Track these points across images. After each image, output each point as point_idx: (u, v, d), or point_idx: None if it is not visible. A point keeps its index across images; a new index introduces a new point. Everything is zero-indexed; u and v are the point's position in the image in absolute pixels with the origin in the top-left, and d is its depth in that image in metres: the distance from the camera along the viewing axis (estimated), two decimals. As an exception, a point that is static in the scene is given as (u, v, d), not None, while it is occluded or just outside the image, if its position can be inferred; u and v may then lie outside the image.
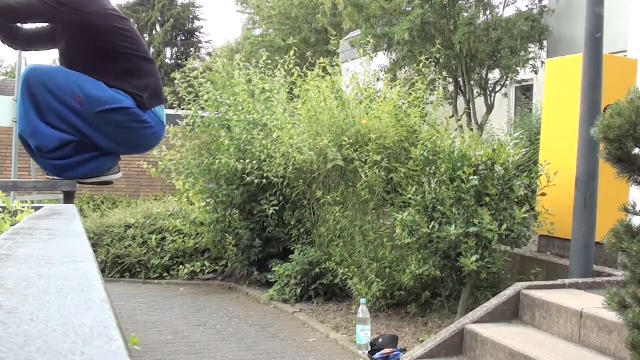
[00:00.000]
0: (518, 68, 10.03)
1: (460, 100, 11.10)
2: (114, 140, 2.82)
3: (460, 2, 10.45)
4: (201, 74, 8.64)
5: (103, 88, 2.67)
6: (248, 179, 7.72)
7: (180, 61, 28.61)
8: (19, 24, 2.89)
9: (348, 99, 7.06)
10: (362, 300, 5.67)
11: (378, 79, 10.20)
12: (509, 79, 10.88)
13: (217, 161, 7.97)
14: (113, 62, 2.73)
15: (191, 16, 32.07)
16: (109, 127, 2.73)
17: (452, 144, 5.61)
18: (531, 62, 10.20)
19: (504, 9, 10.89)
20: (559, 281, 5.31)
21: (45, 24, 2.90)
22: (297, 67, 7.84)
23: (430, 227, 5.36)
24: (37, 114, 2.64)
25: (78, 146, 2.75)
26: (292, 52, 8.05)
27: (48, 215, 2.22)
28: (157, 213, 9.70)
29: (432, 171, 5.68)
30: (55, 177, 2.93)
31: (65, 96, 2.63)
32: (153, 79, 2.83)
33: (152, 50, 30.35)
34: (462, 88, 10.87)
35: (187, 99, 8.64)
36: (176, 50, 31.94)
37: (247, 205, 8.22)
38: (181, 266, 8.91)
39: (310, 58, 7.85)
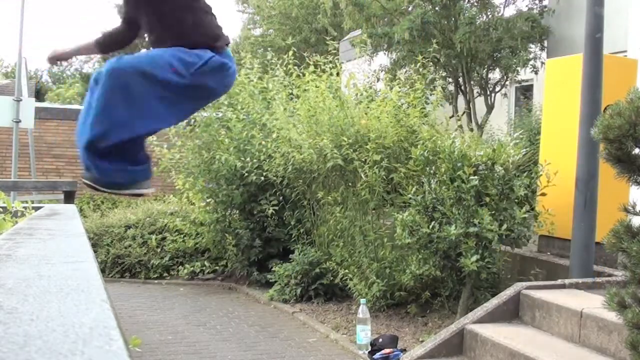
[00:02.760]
0: (518, 68, 10.02)
1: (460, 100, 11.09)
2: (203, 99, 2.96)
3: (461, 2, 10.44)
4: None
5: (185, 51, 2.74)
6: (248, 178, 7.72)
7: (180, 61, 28.55)
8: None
9: (347, 99, 7.05)
10: (362, 300, 5.67)
11: (378, 79, 10.21)
12: (509, 78, 10.88)
13: (217, 160, 7.97)
14: (183, 21, 2.79)
15: (191, 16, 32.02)
16: (201, 87, 2.82)
17: (452, 144, 5.62)
18: (531, 62, 10.19)
19: (504, 8, 10.89)
20: (559, 281, 5.31)
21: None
22: (296, 67, 7.82)
23: (430, 227, 5.36)
24: (126, 106, 2.63)
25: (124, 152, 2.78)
26: (290, 53, 8.02)
27: (48, 215, 2.22)
28: (157, 211, 9.71)
29: (432, 171, 5.68)
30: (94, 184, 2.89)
31: (163, 72, 2.68)
32: (215, 24, 2.90)
33: (152, 50, 30.33)
34: (462, 88, 10.87)
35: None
36: (176, 50, 31.89)
37: (247, 205, 8.22)
38: (181, 266, 8.91)
39: (308, 58, 7.85)
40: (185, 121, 8.60)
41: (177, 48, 2.74)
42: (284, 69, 8.22)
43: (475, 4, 10.54)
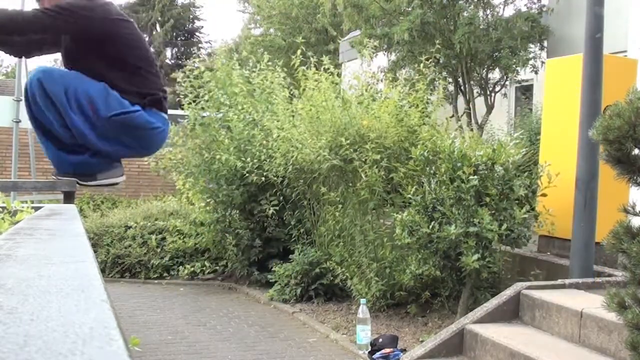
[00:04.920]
0: (518, 68, 10.02)
1: (460, 100, 11.09)
2: (122, 144, 2.86)
3: (460, 2, 10.44)
4: (201, 73, 8.62)
5: (109, 92, 2.70)
6: (248, 178, 7.72)
7: (180, 61, 28.61)
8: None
9: (349, 99, 7.05)
10: (362, 300, 5.67)
11: (379, 80, 10.21)
12: (508, 78, 10.88)
13: (217, 160, 7.96)
14: (116, 68, 2.75)
15: (191, 16, 32.07)
16: (118, 132, 2.77)
17: (452, 144, 5.62)
18: (531, 62, 10.19)
19: (503, 8, 10.88)
20: (559, 281, 5.31)
21: None
22: (302, 68, 7.78)
23: (430, 227, 5.36)
24: (57, 114, 2.67)
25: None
26: (299, 52, 7.94)
27: (48, 215, 2.22)
28: (158, 211, 9.71)
29: (432, 171, 5.68)
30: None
31: (81, 102, 2.65)
32: (155, 88, 2.84)
33: (152, 50, 30.34)
34: (462, 88, 10.86)
35: (187, 98, 8.63)
36: (176, 50, 31.95)
37: (247, 205, 8.22)
38: (181, 266, 8.90)
39: (311, 57, 7.83)
40: (186, 121, 8.62)
41: (105, 85, 2.69)
42: (286, 69, 8.18)
43: (475, 3, 10.53)
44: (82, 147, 2.82)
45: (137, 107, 2.74)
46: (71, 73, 2.78)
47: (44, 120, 2.70)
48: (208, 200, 8.43)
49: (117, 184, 3.10)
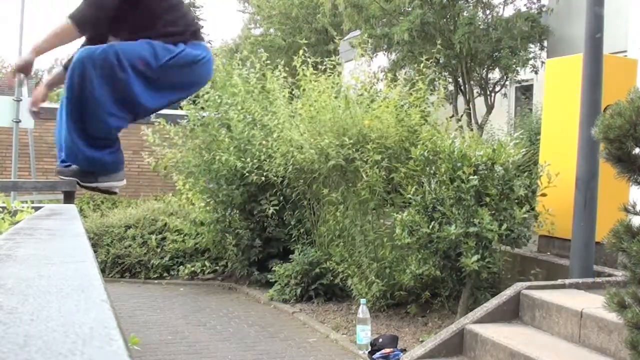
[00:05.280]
0: (518, 68, 10.03)
1: (460, 100, 11.10)
2: (176, 89, 2.98)
3: (460, 2, 10.44)
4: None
5: (152, 44, 2.80)
6: (248, 178, 7.72)
7: (180, 61, 28.55)
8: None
9: (352, 99, 7.05)
10: (362, 300, 5.67)
11: (378, 80, 10.22)
12: (508, 78, 10.89)
13: (217, 160, 7.96)
14: (154, 20, 2.85)
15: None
16: (172, 76, 2.87)
17: (452, 144, 5.62)
18: (531, 62, 10.20)
19: (503, 8, 10.89)
20: (559, 281, 5.31)
21: None
22: (302, 67, 7.77)
23: (430, 227, 5.36)
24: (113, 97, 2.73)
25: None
26: (300, 52, 7.92)
27: (48, 215, 2.22)
28: (157, 210, 9.71)
29: (432, 171, 5.68)
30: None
31: (134, 62, 2.74)
32: (188, 24, 2.95)
33: None
34: (462, 88, 10.87)
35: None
36: (176, 50, 31.92)
37: (247, 205, 8.22)
38: (181, 266, 8.90)
39: (311, 57, 7.82)
40: (186, 121, 8.61)
41: (147, 40, 2.79)
42: (288, 68, 8.14)
43: (475, 4, 10.53)
44: (105, 141, 2.84)
45: (181, 47, 2.84)
46: (113, 43, 2.85)
47: (90, 98, 2.71)
48: (208, 200, 8.43)
49: (115, 193, 3.11)
